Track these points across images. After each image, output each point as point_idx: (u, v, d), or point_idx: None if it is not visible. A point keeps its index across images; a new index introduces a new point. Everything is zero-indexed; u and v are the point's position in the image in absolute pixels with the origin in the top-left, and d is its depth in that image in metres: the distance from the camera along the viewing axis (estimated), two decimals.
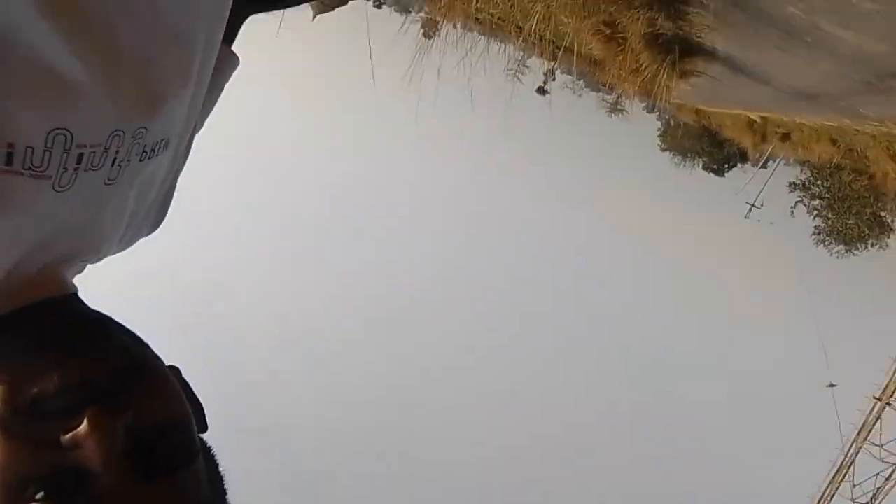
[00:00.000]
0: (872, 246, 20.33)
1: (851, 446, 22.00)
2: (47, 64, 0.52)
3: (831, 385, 22.98)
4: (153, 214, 0.80)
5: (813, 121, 12.95)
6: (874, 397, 21.15)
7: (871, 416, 21.35)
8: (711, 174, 32.60)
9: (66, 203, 0.59)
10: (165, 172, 0.75)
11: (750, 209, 28.25)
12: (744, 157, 27.74)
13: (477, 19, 8.12)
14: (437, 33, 7.01)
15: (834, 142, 13.84)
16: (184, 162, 0.80)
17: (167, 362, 0.68)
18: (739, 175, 30.19)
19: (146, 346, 0.68)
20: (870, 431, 21.57)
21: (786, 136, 17.24)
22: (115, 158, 0.61)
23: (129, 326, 0.69)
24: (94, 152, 0.58)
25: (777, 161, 24.18)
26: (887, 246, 20.26)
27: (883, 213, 18.90)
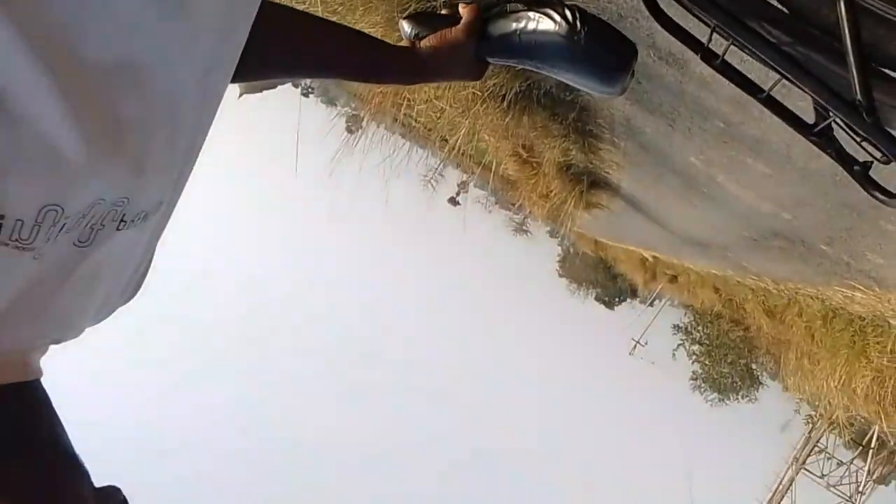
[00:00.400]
0: (743, 398, 21.47)
1: None
2: (50, 140, 0.52)
3: None
4: (131, 286, 0.77)
5: (700, 267, 13.84)
6: None
7: None
8: (602, 306, 34.00)
9: (38, 267, 0.58)
10: (145, 247, 0.73)
11: (635, 346, 29.42)
12: (634, 294, 29.14)
13: (403, 124, 8.35)
14: (361, 131, 7.14)
15: (717, 290, 14.77)
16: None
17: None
18: (629, 311, 31.60)
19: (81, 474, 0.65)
20: None
21: (674, 279, 18.30)
22: (90, 222, 0.60)
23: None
24: (73, 219, 0.58)
25: (664, 301, 25.51)
26: (756, 399, 21.45)
27: (754, 366, 20.12)
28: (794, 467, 20.71)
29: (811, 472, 20.81)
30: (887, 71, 0.85)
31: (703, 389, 21.57)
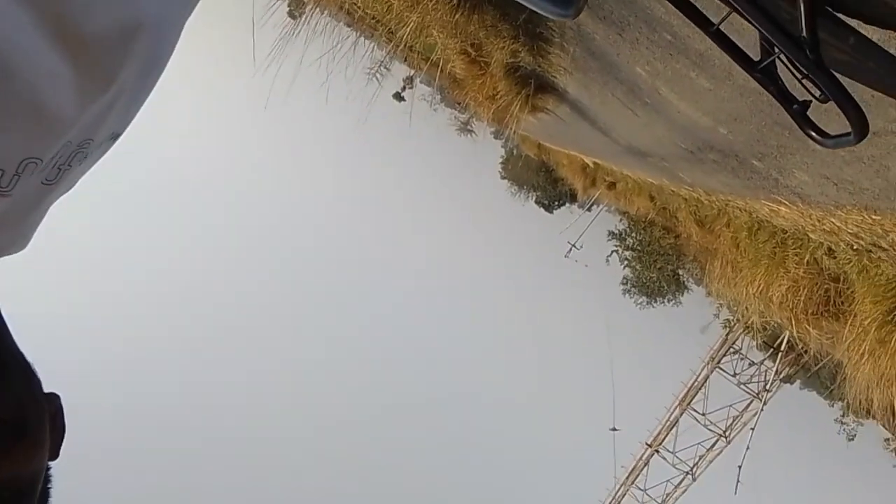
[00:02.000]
0: (669, 302, 22.56)
1: (619, 489, 23.97)
2: (41, 98, 0.53)
3: (614, 429, 24.86)
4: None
5: (637, 175, 14.12)
6: (646, 444, 23.26)
7: (641, 462, 23.45)
8: (542, 209, 34.51)
9: (6, 204, 0.60)
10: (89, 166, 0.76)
11: (570, 249, 30.17)
12: (573, 198, 29.62)
13: (349, 12, 8.01)
14: (303, 17, 6.82)
15: (652, 198, 15.17)
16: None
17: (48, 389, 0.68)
18: (567, 214, 32.17)
19: (37, 392, 0.67)
20: (637, 476, 23.64)
21: (612, 185, 18.67)
22: (58, 163, 0.62)
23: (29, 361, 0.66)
24: (46, 163, 0.61)
25: (601, 207, 26.07)
26: (680, 303, 22.60)
27: (681, 272, 21.03)
28: (709, 366, 22.12)
29: (725, 371, 22.27)
30: (836, 13, 0.86)
31: (632, 293, 22.52)
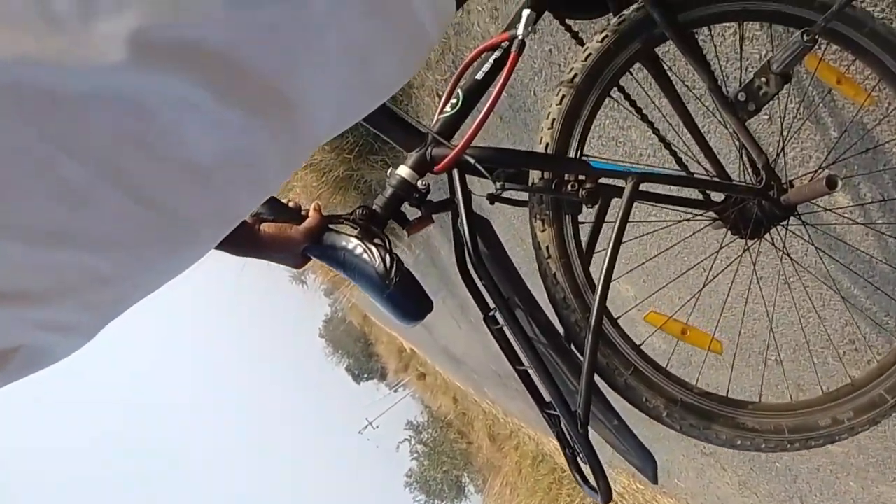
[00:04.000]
0: None
1: None
2: None
3: None
4: None
5: (448, 376, 14.58)
6: None
7: None
8: (350, 378, 34.18)
9: None
10: None
11: (367, 426, 29.78)
12: (383, 377, 29.73)
13: None
14: None
15: (455, 400, 15.59)
16: None
17: None
18: (373, 390, 32.06)
19: None
20: None
21: (423, 376, 19.05)
22: None
23: None
24: None
25: (406, 393, 26.28)
26: None
27: (464, 480, 21.27)
28: None
29: None
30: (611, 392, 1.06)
31: (413, 488, 22.27)
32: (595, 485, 1.07)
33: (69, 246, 0.48)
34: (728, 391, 1.21)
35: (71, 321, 0.53)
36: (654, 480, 1.10)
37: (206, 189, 0.55)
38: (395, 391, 28.20)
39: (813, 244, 1.30)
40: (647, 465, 1.09)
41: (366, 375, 33.29)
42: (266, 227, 1.05)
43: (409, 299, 1.05)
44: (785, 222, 1.19)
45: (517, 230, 3.28)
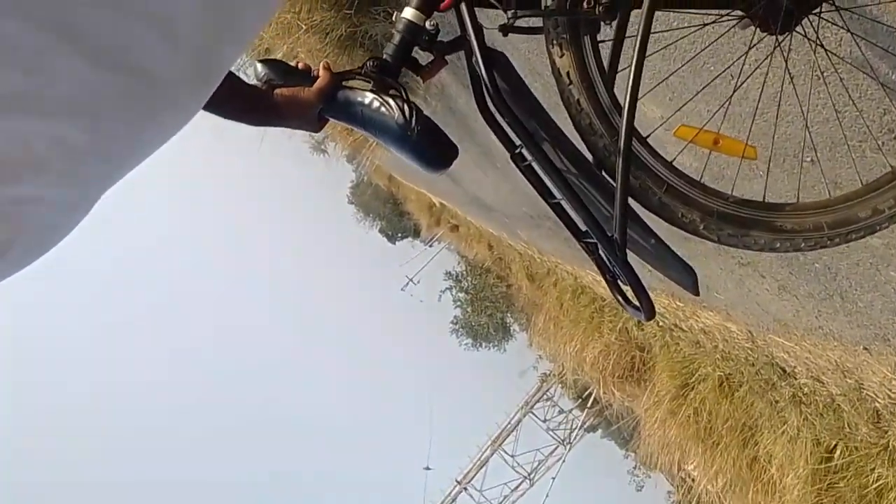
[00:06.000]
0: (493, 348, 23.55)
1: None
2: None
3: (427, 468, 25.45)
4: None
5: (480, 224, 14.74)
6: (455, 480, 24.04)
7: (448, 498, 24.17)
8: (385, 239, 34.81)
9: None
10: None
11: (408, 283, 30.65)
12: (416, 234, 30.18)
13: None
14: None
15: (490, 247, 15.86)
16: None
17: None
18: (408, 248, 32.69)
19: None
20: None
21: (455, 228, 19.30)
22: None
23: None
24: None
25: (442, 246, 26.80)
26: (505, 350, 23.68)
27: (508, 320, 22.06)
28: (523, 410, 23.25)
29: (536, 417, 23.50)
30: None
31: (459, 334, 23.22)
32: (637, 304, 1.09)
33: (29, 112, 0.46)
34: (764, 197, 1.19)
35: (56, 198, 0.51)
36: (696, 292, 1.12)
37: (178, 45, 0.51)
38: (431, 246, 28.73)
39: (848, 30, 1.23)
40: (687, 277, 1.10)
41: (399, 235, 33.83)
42: (279, 93, 1.03)
43: (433, 146, 1.04)
44: (817, 10, 1.11)
45: (533, 64, 3.17)
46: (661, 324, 6.51)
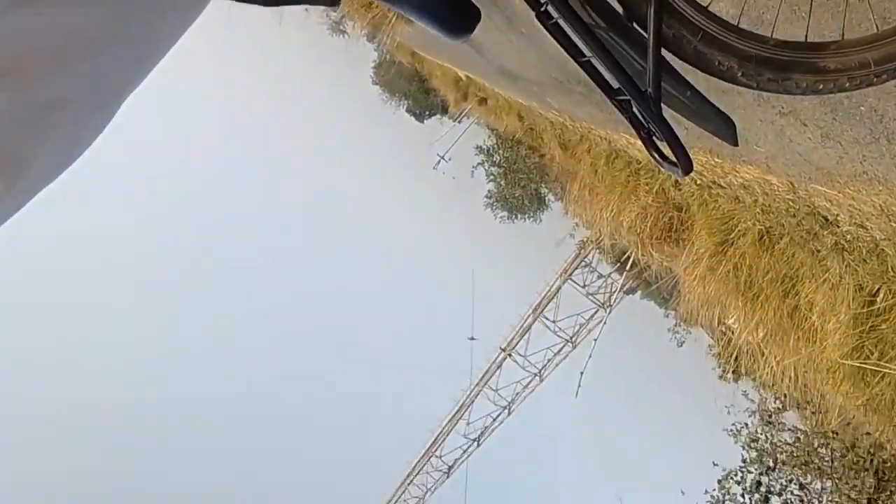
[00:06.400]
0: (529, 219, 23.61)
1: (473, 390, 25.66)
2: None
3: (472, 338, 26.32)
4: None
5: (508, 95, 14.38)
6: (500, 348, 24.87)
7: (494, 365, 25.10)
8: (413, 118, 34.31)
9: None
10: None
11: (439, 161, 30.43)
12: (444, 110, 29.66)
13: None
14: None
15: (521, 118, 15.54)
16: None
17: None
18: (437, 126, 32.23)
19: None
20: (490, 377, 25.34)
21: (483, 101, 18.88)
22: None
23: None
24: None
25: (471, 121, 26.35)
26: (541, 221, 23.72)
27: (544, 191, 21.94)
28: (562, 278, 23.61)
29: (576, 283, 23.87)
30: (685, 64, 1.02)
31: (494, 207, 23.25)
32: (674, 160, 1.07)
33: (40, 3, 0.45)
34: (806, 38, 1.13)
35: (77, 97, 0.49)
36: (735, 142, 1.09)
37: None
38: (460, 122, 28.26)
39: None
40: (725, 129, 1.07)
41: (427, 112, 33.28)
42: None
43: (455, 10, 1.00)
44: None
45: None
46: (698, 182, 6.42)
